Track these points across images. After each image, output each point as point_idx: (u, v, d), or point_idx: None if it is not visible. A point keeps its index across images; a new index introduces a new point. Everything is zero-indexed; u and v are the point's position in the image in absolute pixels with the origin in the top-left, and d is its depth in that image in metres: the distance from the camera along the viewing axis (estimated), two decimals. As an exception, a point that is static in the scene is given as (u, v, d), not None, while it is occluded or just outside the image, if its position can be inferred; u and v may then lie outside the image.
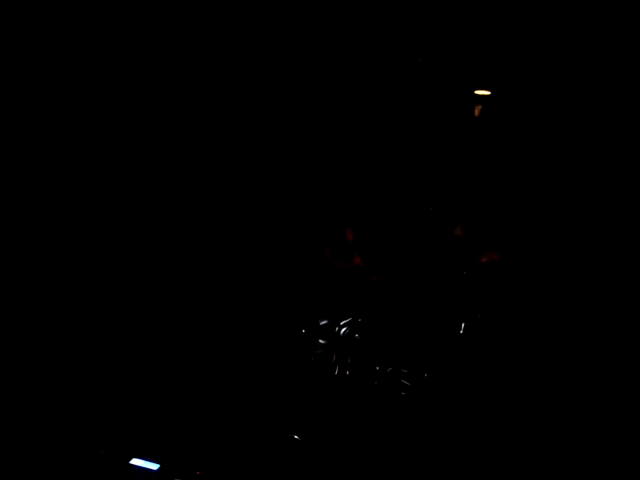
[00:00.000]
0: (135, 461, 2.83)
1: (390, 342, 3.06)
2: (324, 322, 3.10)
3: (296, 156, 3.40)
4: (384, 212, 3.34)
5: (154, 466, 2.82)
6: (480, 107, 3.35)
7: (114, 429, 2.95)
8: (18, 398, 2.94)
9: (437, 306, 3.12)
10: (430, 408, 2.87)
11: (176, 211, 3.29)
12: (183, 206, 3.29)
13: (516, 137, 3.28)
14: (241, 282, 3.24)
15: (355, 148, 3.41)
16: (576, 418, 2.77)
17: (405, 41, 3.29)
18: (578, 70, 3.12)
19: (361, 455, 2.78)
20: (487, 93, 3.34)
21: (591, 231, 3.10)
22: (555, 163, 3.21)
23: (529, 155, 3.25)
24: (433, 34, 3.27)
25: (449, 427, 2.79)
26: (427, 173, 3.38)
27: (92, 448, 2.87)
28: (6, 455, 2.61)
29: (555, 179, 3.20)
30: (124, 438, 2.92)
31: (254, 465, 2.76)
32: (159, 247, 3.23)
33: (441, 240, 3.27)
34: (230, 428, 2.91)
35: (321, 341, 3.08)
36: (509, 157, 3.30)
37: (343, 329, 3.08)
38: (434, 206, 3.33)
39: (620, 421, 2.76)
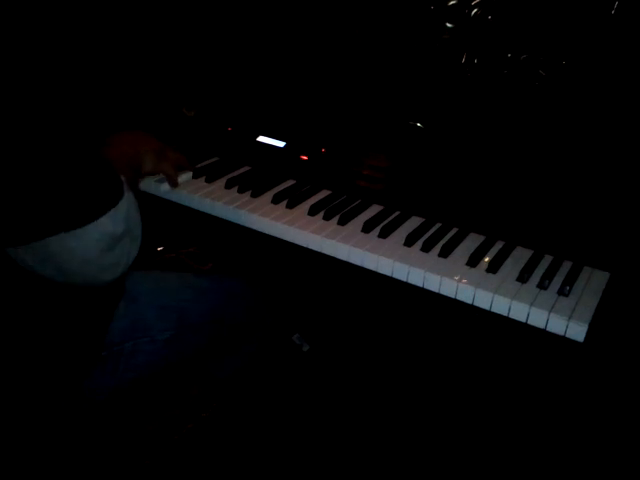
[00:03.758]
0: (262, 138, 3.03)
1: (526, 25, 2.76)
2: (452, 1, 2.83)
3: None
4: None
5: (280, 143, 3.00)
6: None
7: (242, 113, 3.10)
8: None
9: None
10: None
11: None
12: None
13: None
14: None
15: None
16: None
17: None
18: None
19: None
20: None
21: None
22: None
23: None
24: None
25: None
26: None
27: (221, 128, 3.09)
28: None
29: None
30: (252, 118, 3.09)
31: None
32: None
33: None
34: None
35: (448, 25, 2.86)
36: None
37: (474, 10, 2.81)
38: None
39: None
